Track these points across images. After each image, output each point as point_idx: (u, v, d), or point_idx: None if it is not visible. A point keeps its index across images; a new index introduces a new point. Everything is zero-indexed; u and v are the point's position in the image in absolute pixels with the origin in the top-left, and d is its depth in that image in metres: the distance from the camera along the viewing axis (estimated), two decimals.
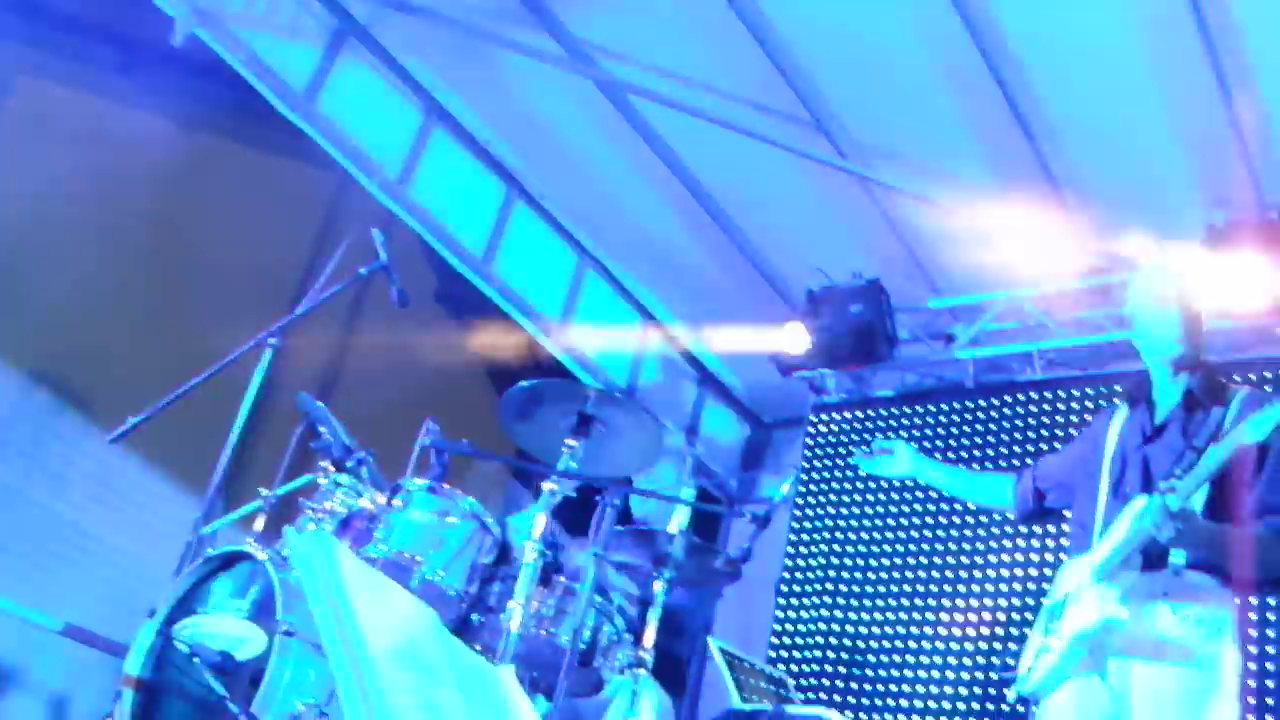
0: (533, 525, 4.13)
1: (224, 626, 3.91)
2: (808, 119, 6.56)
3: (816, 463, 7.71)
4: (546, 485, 4.23)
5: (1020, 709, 6.24)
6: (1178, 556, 3.36)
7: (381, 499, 4.51)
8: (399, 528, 4.32)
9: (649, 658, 4.37)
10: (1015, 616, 6.45)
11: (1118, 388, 6.64)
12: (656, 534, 4.58)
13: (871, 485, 7.35)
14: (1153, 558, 3.38)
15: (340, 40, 6.38)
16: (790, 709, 4.74)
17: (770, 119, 6.61)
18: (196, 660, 3.66)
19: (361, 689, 2.00)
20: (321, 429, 4.90)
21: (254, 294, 7.72)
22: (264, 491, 4.73)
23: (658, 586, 4.51)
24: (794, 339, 7.39)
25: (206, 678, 3.62)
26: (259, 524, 4.57)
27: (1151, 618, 3.35)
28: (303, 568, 2.10)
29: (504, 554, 4.60)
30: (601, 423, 4.39)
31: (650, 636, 4.42)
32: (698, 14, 6.07)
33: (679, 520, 5.14)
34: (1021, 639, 6.30)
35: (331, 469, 4.78)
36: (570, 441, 4.32)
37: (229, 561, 4.13)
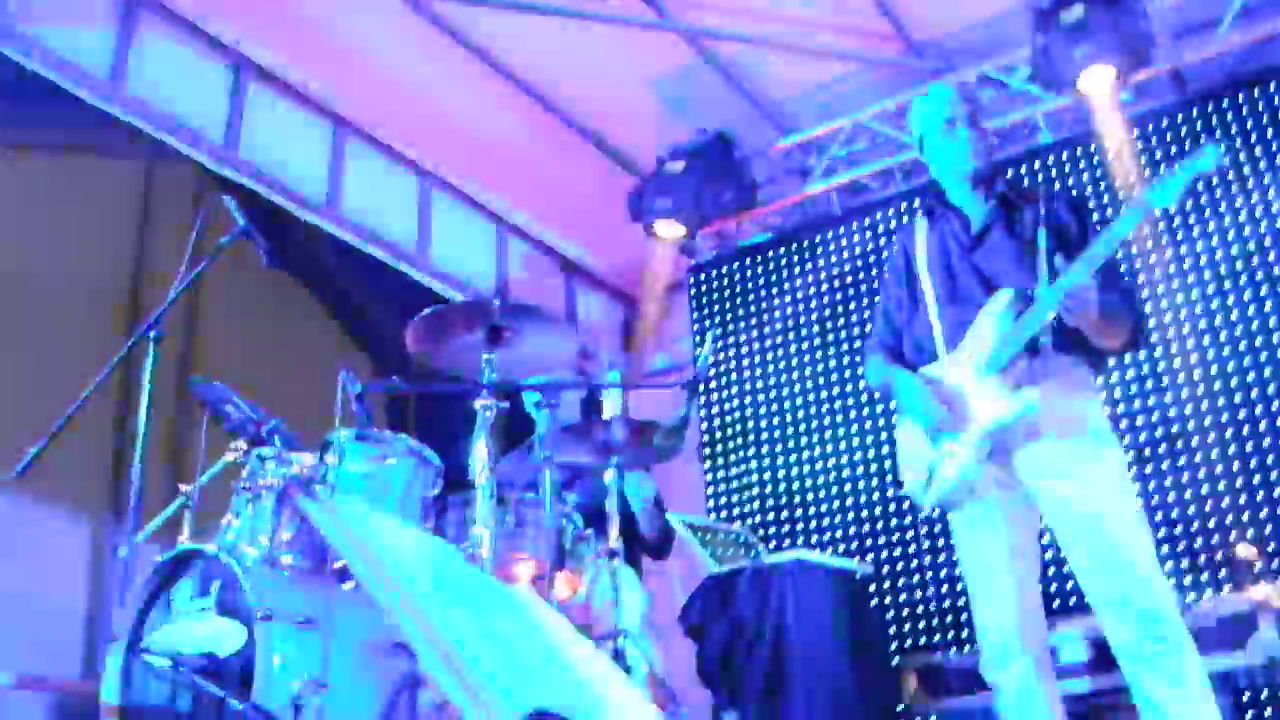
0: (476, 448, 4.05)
1: (195, 630, 3.76)
2: None
3: (706, 323, 7.73)
4: (479, 403, 4.15)
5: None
6: (1044, 338, 3.50)
7: (311, 460, 4.35)
8: (341, 483, 4.18)
9: (620, 547, 4.33)
10: None
11: None
12: (594, 425, 4.53)
13: (766, 330, 7.42)
14: (1026, 344, 3.51)
15: (133, 15, 6.04)
16: (768, 559, 4.76)
17: None
18: (182, 670, 3.53)
19: (427, 633, 1.93)
20: (227, 408, 4.71)
21: (90, 298, 7.39)
22: (185, 488, 4.55)
23: (609, 476, 4.47)
24: (667, 230, 7.36)
25: (199, 684, 3.49)
26: (186, 522, 4.42)
27: (1041, 399, 3.47)
28: (332, 536, 2.02)
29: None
30: (511, 332, 4.30)
31: (614, 528, 4.38)
32: None
33: (613, 406, 5.11)
34: None
35: (246, 446, 4.61)
36: (487, 355, 4.24)
37: (182, 563, 3.96)
